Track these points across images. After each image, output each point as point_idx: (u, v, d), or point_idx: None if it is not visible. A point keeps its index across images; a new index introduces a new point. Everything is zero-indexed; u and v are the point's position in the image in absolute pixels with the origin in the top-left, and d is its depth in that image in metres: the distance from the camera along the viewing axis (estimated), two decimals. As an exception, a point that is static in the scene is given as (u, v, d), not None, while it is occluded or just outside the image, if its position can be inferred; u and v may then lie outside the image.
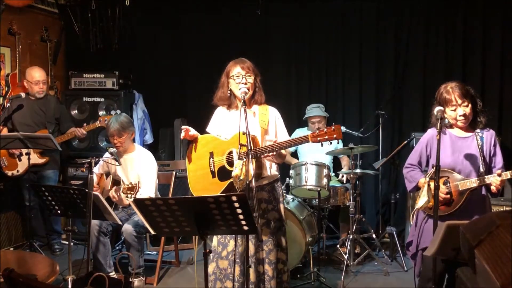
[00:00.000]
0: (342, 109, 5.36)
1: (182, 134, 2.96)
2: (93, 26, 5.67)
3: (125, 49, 5.73)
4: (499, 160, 2.82)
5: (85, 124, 4.63)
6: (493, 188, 2.67)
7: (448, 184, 2.74)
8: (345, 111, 5.37)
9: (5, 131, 4.55)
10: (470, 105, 2.76)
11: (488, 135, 2.82)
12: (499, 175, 2.63)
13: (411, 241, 2.94)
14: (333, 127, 2.62)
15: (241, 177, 2.64)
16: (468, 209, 2.70)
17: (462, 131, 2.85)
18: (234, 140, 2.80)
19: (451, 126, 2.87)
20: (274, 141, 2.97)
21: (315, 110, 4.80)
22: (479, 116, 2.83)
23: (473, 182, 2.68)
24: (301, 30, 5.47)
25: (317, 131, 2.64)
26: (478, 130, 2.81)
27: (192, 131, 2.98)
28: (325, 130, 2.62)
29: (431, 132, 2.93)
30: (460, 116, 2.76)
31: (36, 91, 4.65)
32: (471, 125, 2.83)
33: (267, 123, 2.94)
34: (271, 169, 3.00)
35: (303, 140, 2.71)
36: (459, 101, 2.74)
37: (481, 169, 2.74)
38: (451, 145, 2.83)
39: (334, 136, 2.61)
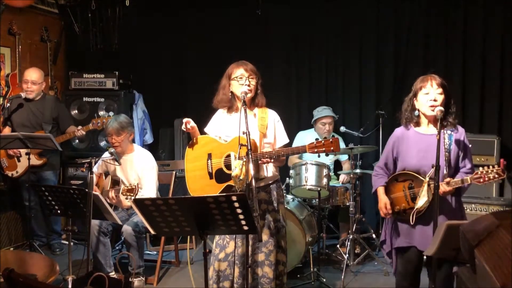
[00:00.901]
0: (342, 109, 5.36)
1: (184, 128, 2.94)
2: (93, 26, 5.68)
3: (125, 49, 5.73)
4: (468, 161, 2.74)
5: (80, 126, 4.60)
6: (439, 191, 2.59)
7: (413, 190, 2.70)
8: (345, 111, 5.37)
9: (7, 131, 4.55)
10: (444, 96, 2.68)
11: (457, 135, 2.74)
12: (448, 183, 2.59)
13: (384, 240, 2.93)
14: (330, 140, 2.63)
15: (241, 177, 2.65)
16: (433, 210, 2.61)
17: (429, 128, 2.73)
18: (233, 143, 2.81)
19: (417, 122, 2.79)
20: (273, 144, 2.97)
21: (326, 111, 4.81)
22: (449, 115, 2.73)
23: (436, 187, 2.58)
24: (301, 30, 5.47)
25: (315, 142, 2.65)
26: (447, 129, 2.72)
27: (192, 123, 2.97)
28: (323, 142, 2.65)
29: (397, 133, 2.88)
30: (430, 100, 2.66)
31: (24, 89, 4.60)
32: (440, 123, 2.72)
33: (266, 126, 2.94)
34: (268, 169, 2.99)
35: (301, 150, 2.74)
36: (435, 87, 2.68)
37: (445, 171, 2.65)
38: (416, 145, 2.75)
39: (331, 148, 2.63)
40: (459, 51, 4.96)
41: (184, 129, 2.97)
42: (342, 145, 4.93)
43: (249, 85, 2.88)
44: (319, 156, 2.69)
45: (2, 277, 1.61)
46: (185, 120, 2.96)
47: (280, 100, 5.04)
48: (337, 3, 5.34)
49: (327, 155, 2.67)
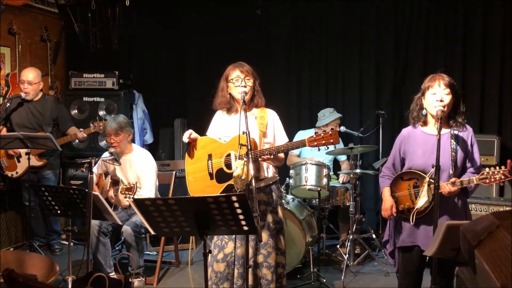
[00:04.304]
0: (342, 109, 5.35)
1: (186, 139, 2.96)
2: (93, 26, 5.67)
3: (125, 49, 5.73)
4: (475, 160, 2.73)
5: (81, 129, 4.58)
6: (443, 191, 2.59)
7: (418, 189, 2.69)
8: (345, 111, 5.37)
9: (4, 131, 4.54)
10: (451, 97, 2.65)
11: (465, 135, 2.72)
12: (453, 183, 2.58)
13: (387, 239, 2.93)
14: (329, 132, 2.63)
15: (243, 177, 2.64)
16: (439, 210, 2.60)
17: (436, 128, 2.66)
18: (233, 142, 2.81)
19: (424, 122, 2.77)
20: (272, 143, 2.97)
21: (335, 113, 4.82)
22: (458, 115, 2.71)
23: (441, 187, 2.58)
24: (301, 30, 5.47)
25: (314, 136, 2.65)
26: (454, 129, 2.71)
27: (194, 134, 2.99)
28: (322, 134, 2.64)
29: (404, 133, 2.87)
30: (437, 100, 2.63)
31: (21, 90, 4.58)
32: (447, 122, 2.72)
33: (266, 125, 2.95)
34: (269, 170, 3.00)
35: (301, 144, 2.73)
36: (442, 87, 2.65)
37: (451, 171, 2.64)
38: (422, 145, 2.73)
39: (331, 140, 2.62)
40: (459, 51, 4.97)
41: (186, 140, 2.97)
42: (341, 145, 4.93)
43: (245, 86, 2.88)
44: (319, 149, 2.69)
45: (2, 277, 1.61)
46: (188, 132, 2.97)
47: (280, 101, 5.04)
48: (337, 3, 5.34)
49: (327, 148, 2.67)
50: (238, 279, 2.86)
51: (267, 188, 2.98)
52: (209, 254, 2.94)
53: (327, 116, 4.81)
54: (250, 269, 2.82)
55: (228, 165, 2.83)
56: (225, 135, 2.96)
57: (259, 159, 2.77)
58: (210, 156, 2.93)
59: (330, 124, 4.75)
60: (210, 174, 2.91)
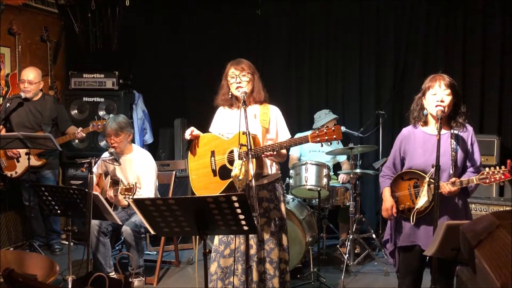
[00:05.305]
0: (342, 109, 5.36)
1: (188, 136, 2.98)
2: (93, 26, 5.67)
3: (125, 49, 5.73)
4: (475, 160, 2.73)
5: (80, 128, 4.58)
6: (443, 191, 2.60)
7: (418, 188, 2.69)
8: (345, 111, 5.37)
9: (3, 132, 4.54)
10: (451, 97, 2.65)
11: (465, 135, 2.72)
12: (453, 183, 2.58)
13: (387, 239, 2.93)
14: (332, 128, 2.63)
15: (240, 177, 2.65)
16: (440, 210, 2.60)
17: (436, 128, 2.66)
18: (235, 139, 2.82)
19: (425, 122, 2.77)
20: (275, 139, 2.98)
21: (331, 115, 4.81)
22: (459, 116, 2.71)
23: (441, 187, 2.58)
24: (301, 30, 5.47)
25: (317, 132, 2.65)
26: (455, 129, 2.71)
27: (196, 131, 3.01)
28: (325, 130, 2.64)
29: (404, 132, 2.87)
30: (437, 100, 2.63)
31: (21, 89, 4.58)
32: (448, 123, 2.72)
33: (268, 122, 2.96)
34: (272, 167, 3.01)
35: (303, 140, 2.73)
36: (443, 87, 2.65)
37: (451, 171, 2.64)
38: (423, 145, 2.73)
39: (334, 136, 2.63)
40: (459, 51, 4.97)
41: (188, 137, 2.99)
42: (341, 145, 4.92)
43: (240, 82, 2.89)
44: (321, 145, 2.69)
45: (2, 277, 1.61)
46: (190, 129, 2.99)
47: (280, 101, 4.98)
48: (337, 3, 5.34)
49: (330, 144, 2.67)
50: (242, 274, 2.88)
51: (270, 186, 2.99)
52: (210, 254, 2.97)
53: (323, 118, 4.80)
54: (254, 264, 2.84)
55: (231, 162, 2.83)
56: (228, 132, 2.97)
57: (262, 155, 2.77)
58: (213, 153, 2.94)
59: (327, 125, 4.74)
60: (214, 171, 2.92)
